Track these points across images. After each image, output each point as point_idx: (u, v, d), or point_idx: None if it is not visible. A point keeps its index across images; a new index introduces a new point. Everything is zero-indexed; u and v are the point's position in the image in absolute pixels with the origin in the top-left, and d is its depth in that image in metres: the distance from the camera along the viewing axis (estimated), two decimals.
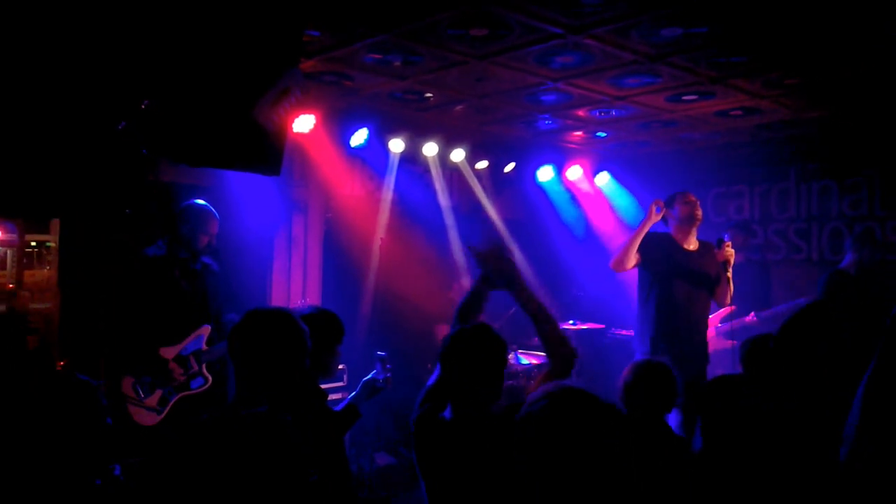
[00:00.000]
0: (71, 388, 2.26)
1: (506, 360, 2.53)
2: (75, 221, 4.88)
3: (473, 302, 2.83)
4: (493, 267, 2.77)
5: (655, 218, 4.72)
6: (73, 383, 2.30)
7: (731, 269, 4.65)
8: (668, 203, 4.79)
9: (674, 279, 4.66)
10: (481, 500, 2.33)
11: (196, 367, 4.21)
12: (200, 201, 4.40)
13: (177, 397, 4.15)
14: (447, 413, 2.49)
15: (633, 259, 4.70)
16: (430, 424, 2.50)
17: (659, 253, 4.70)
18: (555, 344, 2.63)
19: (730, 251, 4.65)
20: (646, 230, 4.70)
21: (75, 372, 3.48)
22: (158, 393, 4.12)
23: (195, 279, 4.33)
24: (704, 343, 4.80)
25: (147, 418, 4.09)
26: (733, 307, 5.94)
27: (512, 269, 2.73)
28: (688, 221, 4.74)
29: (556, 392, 1.69)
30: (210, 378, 4.25)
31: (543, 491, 1.61)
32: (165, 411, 4.11)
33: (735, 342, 6.37)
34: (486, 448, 2.32)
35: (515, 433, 1.68)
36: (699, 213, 4.75)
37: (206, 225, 4.32)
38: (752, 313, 6.32)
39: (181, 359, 4.19)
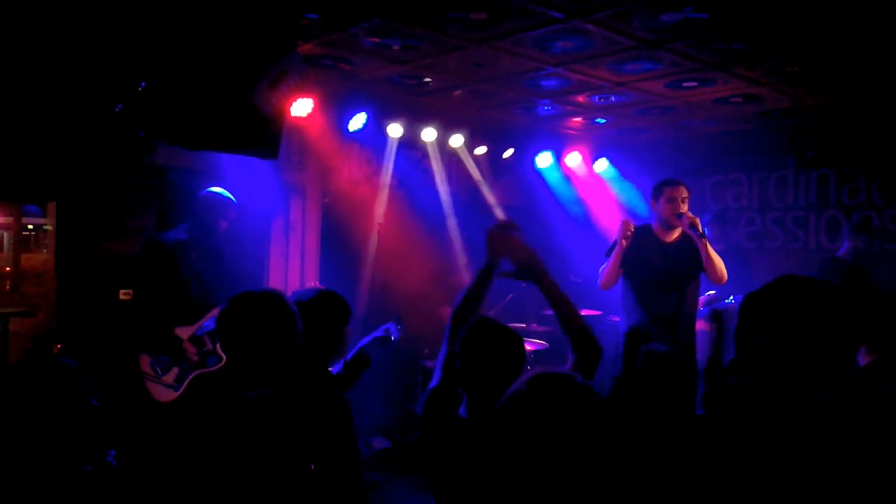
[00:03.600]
0: (48, 370, 2.21)
1: (524, 354, 2.44)
2: (72, 204, 4.87)
3: (477, 295, 2.70)
4: (522, 260, 2.62)
5: (625, 242, 4.57)
6: (51, 365, 2.26)
7: (705, 238, 4.47)
8: (655, 193, 4.67)
9: (646, 274, 4.60)
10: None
11: (210, 346, 4.39)
12: (218, 189, 4.62)
13: (193, 374, 4.33)
14: (462, 411, 2.38)
15: (617, 276, 4.68)
16: (446, 425, 2.36)
17: (634, 249, 4.61)
18: (578, 337, 2.51)
19: (688, 214, 4.50)
20: (620, 254, 4.59)
21: (60, 355, 3.48)
22: (175, 370, 4.31)
23: (211, 263, 4.55)
24: (688, 333, 4.68)
25: (164, 394, 4.28)
26: (712, 292, 5.93)
27: (537, 259, 2.59)
28: (665, 223, 4.64)
29: (534, 376, 1.66)
30: (224, 357, 4.35)
31: (524, 476, 1.61)
32: (182, 388, 4.29)
33: (714, 325, 6.42)
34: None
35: (497, 420, 1.65)
36: (675, 220, 4.57)
37: (225, 210, 4.60)
38: (731, 297, 6.34)
39: (196, 339, 4.38)
